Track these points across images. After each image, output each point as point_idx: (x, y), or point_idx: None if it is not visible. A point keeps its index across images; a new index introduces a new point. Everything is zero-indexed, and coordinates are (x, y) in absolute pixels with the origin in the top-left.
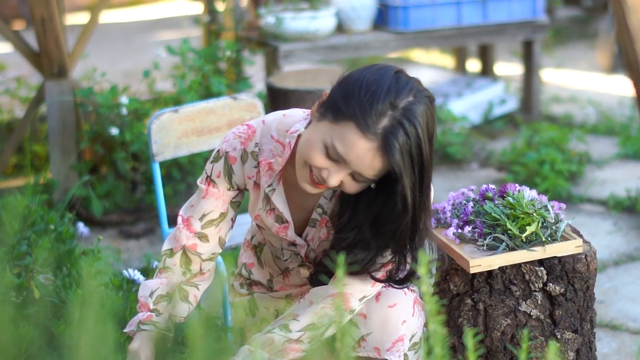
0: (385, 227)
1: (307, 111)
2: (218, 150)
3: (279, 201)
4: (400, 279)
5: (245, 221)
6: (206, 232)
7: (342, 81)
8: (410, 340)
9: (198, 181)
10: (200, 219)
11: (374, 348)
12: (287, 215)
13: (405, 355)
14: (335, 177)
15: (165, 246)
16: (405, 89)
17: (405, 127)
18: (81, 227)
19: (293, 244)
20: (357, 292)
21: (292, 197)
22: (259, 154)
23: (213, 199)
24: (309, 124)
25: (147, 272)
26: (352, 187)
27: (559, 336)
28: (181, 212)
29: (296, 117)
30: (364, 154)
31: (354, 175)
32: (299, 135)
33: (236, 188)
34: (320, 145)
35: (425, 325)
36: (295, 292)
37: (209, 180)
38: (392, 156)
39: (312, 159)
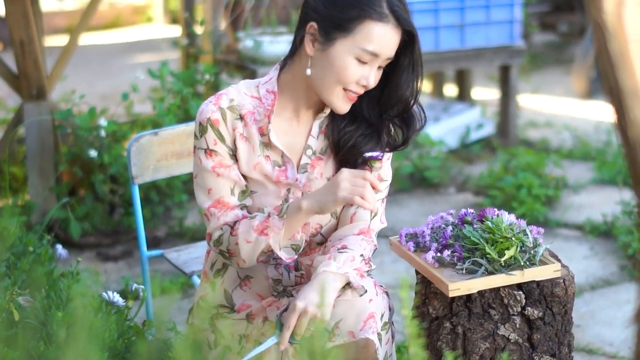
0: (395, 93)
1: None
2: (200, 123)
3: (276, 140)
4: (399, 144)
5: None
6: (245, 202)
7: (325, 4)
8: (381, 319)
9: (198, 166)
10: (232, 193)
11: (348, 332)
12: (286, 151)
13: (378, 334)
14: (372, 76)
15: (215, 239)
16: None
17: None
18: (59, 249)
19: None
20: (375, 229)
21: (281, 144)
22: (239, 108)
23: (225, 171)
24: (282, 67)
25: (126, 295)
26: (378, 77)
27: None
28: (202, 205)
29: (255, 78)
30: (390, 38)
31: (380, 65)
32: (279, 79)
33: (231, 154)
34: (352, 61)
35: (390, 308)
36: (256, 309)
37: (210, 152)
38: (407, 23)
39: (351, 77)
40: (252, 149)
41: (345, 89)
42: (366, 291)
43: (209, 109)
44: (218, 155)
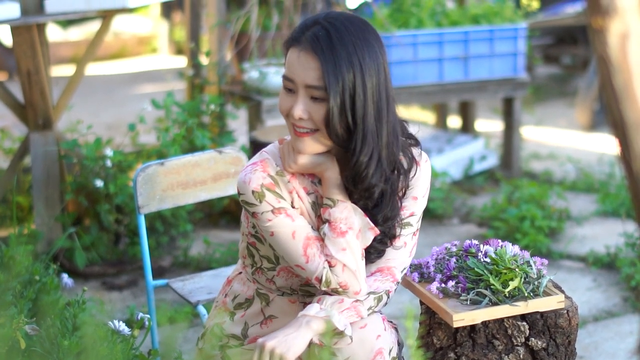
0: (362, 183)
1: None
2: (253, 191)
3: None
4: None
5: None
6: None
7: None
8: (389, 354)
9: (270, 225)
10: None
11: None
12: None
13: None
14: (298, 106)
15: (324, 281)
16: (323, 12)
17: (320, 22)
18: (65, 278)
19: None
20: (400, 264)
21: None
22: (284, 171)
23: (299, 218)
24: None
25: (131, 324)
26: (317, 111)
27: None
28: (296, 253)
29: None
30: (299, 60)
31: (310, 94)
32: None
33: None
34: (282, 92)
35: (399, 343)
36: None
37: (277, 209)
38: (309, 43)
39: (282, 107)
40: (308, 207)
41: (292, 124)
42: (350, 341)
43: (257, 176)
44: (287, 209)
